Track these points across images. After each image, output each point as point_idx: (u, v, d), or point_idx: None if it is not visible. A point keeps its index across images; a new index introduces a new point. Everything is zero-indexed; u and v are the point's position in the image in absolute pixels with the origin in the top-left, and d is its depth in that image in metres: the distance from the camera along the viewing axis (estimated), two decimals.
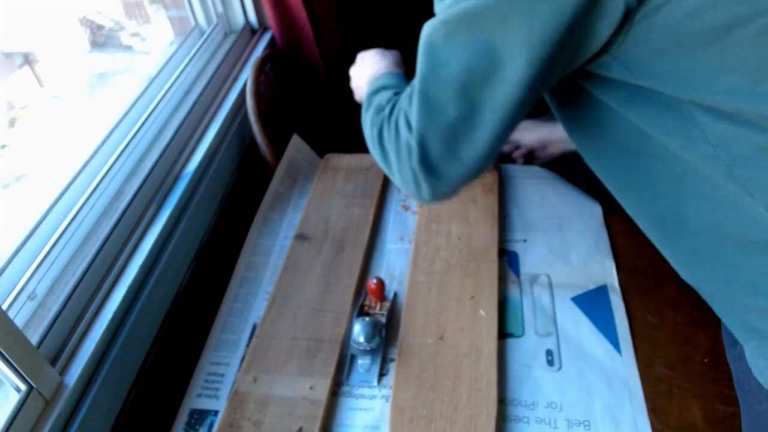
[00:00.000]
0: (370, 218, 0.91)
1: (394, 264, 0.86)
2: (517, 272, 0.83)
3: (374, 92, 0.68)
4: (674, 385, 0.69)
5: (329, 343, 0.74)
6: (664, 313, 0.77)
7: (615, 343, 0.73)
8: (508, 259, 0.85)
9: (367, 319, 0.74)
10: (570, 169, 0.99)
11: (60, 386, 0.61)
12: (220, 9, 1.15)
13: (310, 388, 0.69)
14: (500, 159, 1.07)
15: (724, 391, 0.67)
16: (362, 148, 1.07)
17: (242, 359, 0.74)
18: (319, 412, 0.67)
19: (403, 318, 0.76)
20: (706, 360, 0.71)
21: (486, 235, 0.86)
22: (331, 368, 0.71)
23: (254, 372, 0.71)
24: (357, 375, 0.72)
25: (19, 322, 0.62)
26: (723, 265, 0.52)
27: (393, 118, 0.59)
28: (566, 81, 0.53)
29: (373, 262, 0.87)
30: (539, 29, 0.44)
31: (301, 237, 0.89)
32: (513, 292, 0.81)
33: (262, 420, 0.66)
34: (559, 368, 0.71)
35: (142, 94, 0.94)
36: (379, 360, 0.73)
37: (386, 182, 1.00)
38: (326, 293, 0.80)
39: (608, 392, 0.68)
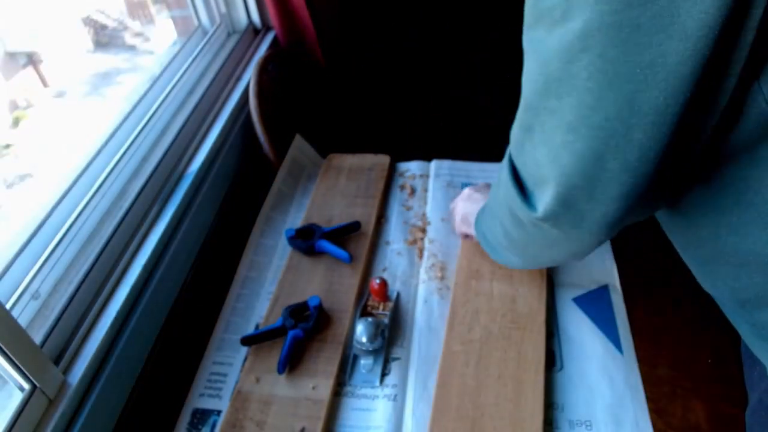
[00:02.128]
0: (373, 218, 0.91)
1: (397, 264, 0.86)
2: None
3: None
4: (677, 385, 0.69)
5: (332, 343, 0.74)
6: (666, 314, 0.77)
7: (617, 343, 0.73)
8: None
9: (369, 319, 0.74)
10: None
11: (63, 385, 0.61)
12: (223, 9, 1.15)
13: (313, 388, 0.69)
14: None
15: (729, 391, 0.67)
16: (364, 148, 1.08)
17: (245, 359, 0.74)
18: (322, 412, 0.67)
19: (435, 395, 0.67)
20: (710, 360, 0.71)
21: (532, 299, 0.76)
22: (334, 368, 0.71)
23: (257, 372, 0.71)
24: (359, 375, 0.72)
25: (22, 321, 0.62)
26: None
27: None
28: None
29: (375, 262, 0.87)
30: None
31: None
32: None
33: (264, 420, 0.66)
34: (561, 368, 0.71)
35: (146, 94, 0.94)
36: (381, 360, 0.73)
37: (389, 182, 1.00)
38: (329, 293, 0.80)
39: (610, 392, 0.68)
